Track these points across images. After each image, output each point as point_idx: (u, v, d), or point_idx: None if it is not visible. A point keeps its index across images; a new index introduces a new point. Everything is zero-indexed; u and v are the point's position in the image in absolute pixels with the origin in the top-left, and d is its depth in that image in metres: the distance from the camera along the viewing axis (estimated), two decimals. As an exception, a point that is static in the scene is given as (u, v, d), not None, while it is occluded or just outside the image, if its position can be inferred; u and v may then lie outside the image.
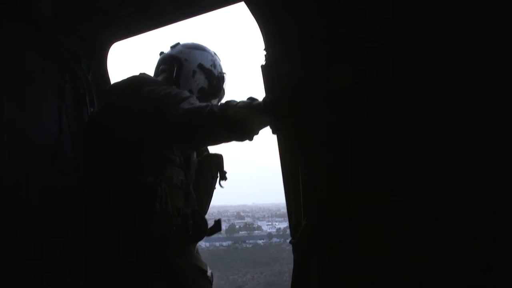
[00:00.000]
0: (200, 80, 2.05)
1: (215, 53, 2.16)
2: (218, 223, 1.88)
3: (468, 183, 1.27)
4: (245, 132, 1.61)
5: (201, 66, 2.05)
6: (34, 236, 1.83)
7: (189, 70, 2.02)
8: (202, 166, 2.00)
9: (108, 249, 1.69)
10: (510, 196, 1.20)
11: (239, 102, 1.62)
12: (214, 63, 2.11)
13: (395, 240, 1.40)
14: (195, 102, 1.71)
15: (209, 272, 1.80)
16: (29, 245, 1.81)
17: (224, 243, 38.95)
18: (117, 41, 2.34)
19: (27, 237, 1.81)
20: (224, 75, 2.14)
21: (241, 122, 1.56)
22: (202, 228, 1.81)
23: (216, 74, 2.09)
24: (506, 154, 1.21)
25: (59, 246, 1.89)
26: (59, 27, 2.14)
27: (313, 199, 1.61)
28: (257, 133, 1.63)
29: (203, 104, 1.67)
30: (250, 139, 1.63)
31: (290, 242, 1.69)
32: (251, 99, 1.65)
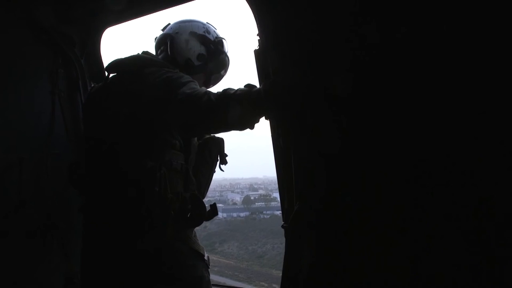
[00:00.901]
0: (195, 46, 2.01)
1: (207, 22, 2.11)
2: (214, 207, 1.85)
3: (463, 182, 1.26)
4: (245, 123, 1.59)
5: (193, 34, 2.01)
6: (27, 220, 1.87)
7: (182, 40, 1.99)
8: (203, 149, 1.97)
9: (105, 236, 1.71)
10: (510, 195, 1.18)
11: (237, 90, 1.58)
12: (207, 29, 2.06)
13: (384, 230, 1.40)
14: (195, 87, 1.68)
15: (206, 256, 1.81)
16: (17, 230, 1.85)
17: (242, 214, 39.24)
18: (110, 26, 2.32)
19: (20, 222, 1.85)
20: (223, 40, 2.09)
21: (240, 113, 1.53)
22: (201, 212, 1.78)
23: (212, 39, 2.05)
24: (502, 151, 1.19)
25: (52, 230, 1.93)
26: (53, 13, 2.13)
27: (304, 185, 1.60)
28: (258, 121, 1.61)
29: (202, 91, 1.64)
30: (251, 128, 1.61)
31: (282, 226, 1.70)
32: (249, 86, 1.62)
